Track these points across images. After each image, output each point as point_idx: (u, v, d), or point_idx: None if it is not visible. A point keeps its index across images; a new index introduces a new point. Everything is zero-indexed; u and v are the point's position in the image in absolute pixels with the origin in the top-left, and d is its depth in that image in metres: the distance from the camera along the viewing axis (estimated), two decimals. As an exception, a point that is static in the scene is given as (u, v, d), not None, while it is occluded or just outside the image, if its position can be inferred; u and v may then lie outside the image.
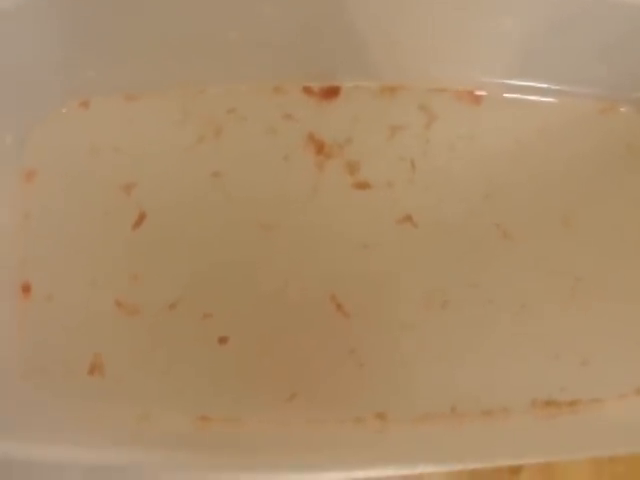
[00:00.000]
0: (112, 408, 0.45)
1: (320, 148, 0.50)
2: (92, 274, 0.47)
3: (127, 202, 0.48)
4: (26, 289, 0.47)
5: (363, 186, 0.50)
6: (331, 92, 0.50)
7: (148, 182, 0.49)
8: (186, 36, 0.47)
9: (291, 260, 0.49)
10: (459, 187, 0.50)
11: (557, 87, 0.52)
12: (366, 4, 0.47)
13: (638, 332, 0.50)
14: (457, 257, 0.50)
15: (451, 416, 0.47)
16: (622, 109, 0.52)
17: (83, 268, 0.48)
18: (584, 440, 0.44)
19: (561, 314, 0.50)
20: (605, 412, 0.48)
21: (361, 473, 0.38)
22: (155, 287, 0.48)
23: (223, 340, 0.47)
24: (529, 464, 0.46)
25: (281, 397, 0.47)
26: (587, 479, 0.48)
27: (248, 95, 0.50)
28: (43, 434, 0.40)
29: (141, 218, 0.48)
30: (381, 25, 0.48)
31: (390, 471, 0.38)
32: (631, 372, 0.49)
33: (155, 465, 0.38)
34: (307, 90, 0.50)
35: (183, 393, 0.47)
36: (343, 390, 0.47)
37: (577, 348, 0.49)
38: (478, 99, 0.51)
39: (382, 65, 0.50)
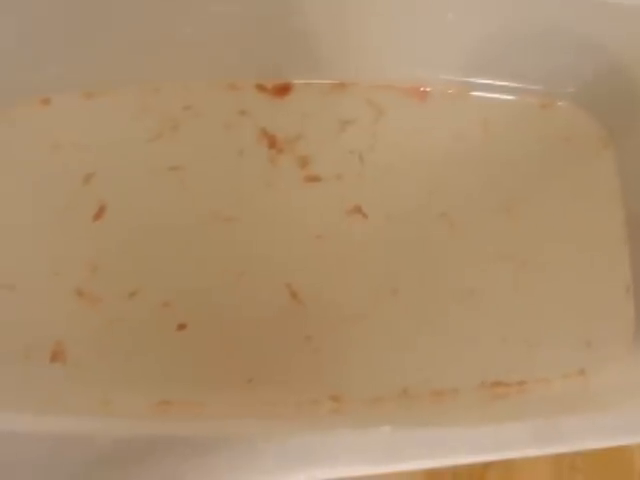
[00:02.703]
0: (74, 394, 0.46)
1: (273, 143, 0.52)
2: (54, 265, 0.48)
3: (88, 195, 0.50)
4: (-13, 279, 0.48)
5: (314, 179, 0.52)
6: (283, 89, 0.52)
7: (108, 176, 0.50)
8: (142, 35, 0.49)
9: (247, 250, 0.50)
10: (406, 179, 0.53)
11: (500, 83, 0.54)
12: (316, 3, 0.49)
13: (579, 314, 0.52)
14: (406, 246, 0.52)
15: (403, 397, 0.49)
16: (560, 104, 0.55)
17: (45, 259, 0.49)
18: (531, 418, 0.45)
19: (507, 298, 0.52)
20: (550, 392, 0.50)
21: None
22: (115, 276, 0.49)
23: (182, 327, 0.48)
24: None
25: (239, 381, 0.48)
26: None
27: (203, 92, 0.52)
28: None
29: (102, 210, 0.50)
30: (331, 24, 0.50)
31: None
32: (574, 353, 0.51)
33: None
34: (260, 87, 0.52)
35: (144, 378, 0.48)
36: (299, 374, 0.49)
37: (523, 331, 0.51)
38: (423, 95, 0.54)
39: (332, 62, 0.52)
